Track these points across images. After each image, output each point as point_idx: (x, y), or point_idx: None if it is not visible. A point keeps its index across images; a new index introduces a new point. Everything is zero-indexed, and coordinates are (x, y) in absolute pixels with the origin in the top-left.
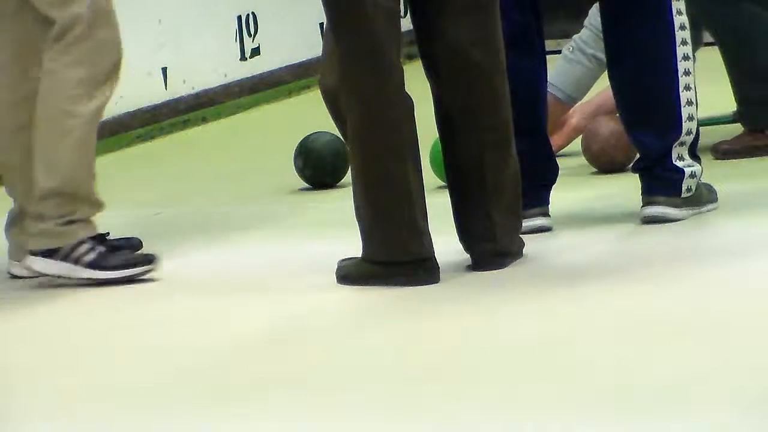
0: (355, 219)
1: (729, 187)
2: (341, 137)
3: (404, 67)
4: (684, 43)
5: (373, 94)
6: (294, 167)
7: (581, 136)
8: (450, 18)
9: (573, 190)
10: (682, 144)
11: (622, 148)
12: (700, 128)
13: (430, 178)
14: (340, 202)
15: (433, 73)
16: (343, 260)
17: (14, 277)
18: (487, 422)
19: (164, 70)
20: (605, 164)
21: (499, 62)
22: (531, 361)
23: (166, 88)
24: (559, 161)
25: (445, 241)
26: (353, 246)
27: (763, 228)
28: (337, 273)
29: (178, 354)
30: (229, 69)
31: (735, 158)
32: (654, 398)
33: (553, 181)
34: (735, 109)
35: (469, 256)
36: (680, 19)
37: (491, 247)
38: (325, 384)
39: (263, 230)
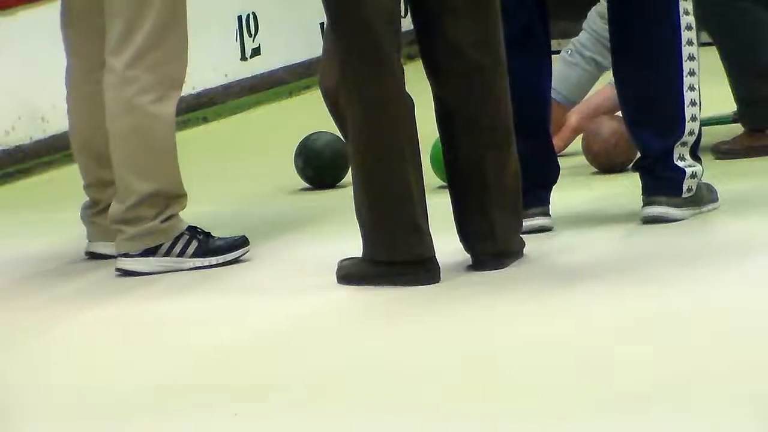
0: (355, 219)
1: (729, 187)
2: (341, 137)
3: (404, 67)
4: (690, 43)
5: (373, 94)
6: (294, 167)
7: (581, 136)
8: (450, 18)
9: (573, 190)
10: (683, 144)
11: (623, 148)
12: (714, 126)
13: (430, 178)
14: (340, 202)
15: (433, 73)
16: (343, 260)
17: (93, 257)
18: (487, 422)
19: None
20: (605, 164)
21: (499, 62)
22: (531, 361)
23: None
24: (560, 161)
25: (445, 241)
26: (353, 246)
27: (763, 227)
28: (337, 273)
29: (178, 354)
30: (229, 69)
31: (735, 158)
32: (654, 398)
33: (554, 182)
34: (735, 109)
35: (469, 256)
36: (687, 19)
37: (491, 247)
38: (325, 384)
39: (263, 230)
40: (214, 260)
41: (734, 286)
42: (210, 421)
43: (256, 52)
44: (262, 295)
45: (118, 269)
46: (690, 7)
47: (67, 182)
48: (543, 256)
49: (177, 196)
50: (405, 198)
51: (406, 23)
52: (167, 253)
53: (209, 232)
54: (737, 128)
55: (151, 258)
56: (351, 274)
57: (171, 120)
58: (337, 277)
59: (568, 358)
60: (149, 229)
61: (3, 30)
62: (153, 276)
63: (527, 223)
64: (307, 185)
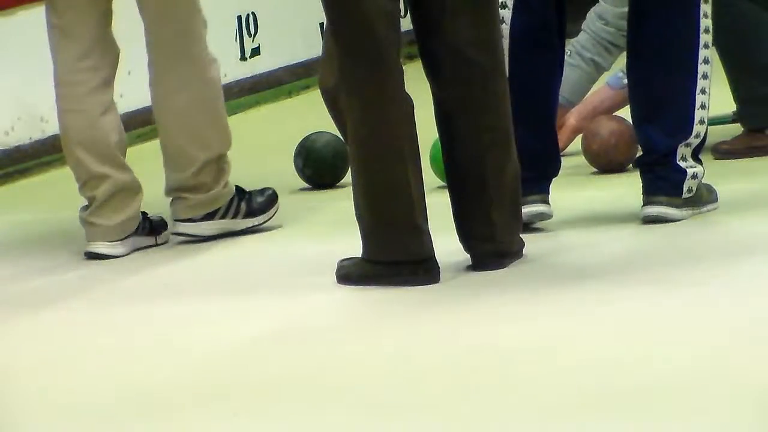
0: (355, 219)
1: (729, 187)
2: (341, 137)
3: (404, 67)
4: (706, 46)
5: (373, 94)
6: (294, 167)
7: (581, 136)
8: (450, 18)
9: (573, 190)
10: (687, 145)
11: (622, 148)
12: (715, 126)
13: (430, 178)
14: (340, 202)
15: (433, 73)
16: (343, 260)
17: (92, 257)
18: (487, 422)
19: None
20: (605, 164)
21: (499, 62)
22: (531, 361)
23: None
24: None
25: (445, 241)
26: (353, 246)
27: (763, 227)
28: (337, 273)
29: (178, 354)
30: (229, 69)
31: (735, 158)
32: (654, 398)
33: (555, 175)
34: (735, 109)
35: (469, 256)
36: (705, 22)
37: (491, 247)
38: (325, 384)
39: (263, 230)
40: (261, 219)
41: (734, 286)
42: (210, 421)
43: (256, 52)
44: (262, 295)
45: (179, 233)
46: (709, 10)
47: (66, 182)
48: (543, 256)
49: (228, 161)
50: (405, 198)
51: (406, 23)
52: (224, 216)
53: (249, 192)
54: (737, 128)
55: (210, 221)
56: (351, 274)
57: (219, 82)
58: (337, 277)
59: (568, 358)
60: (213, 196)
61: (3, 30)
62: (153, 275)
63: (526, 209)
64: (307, 185)
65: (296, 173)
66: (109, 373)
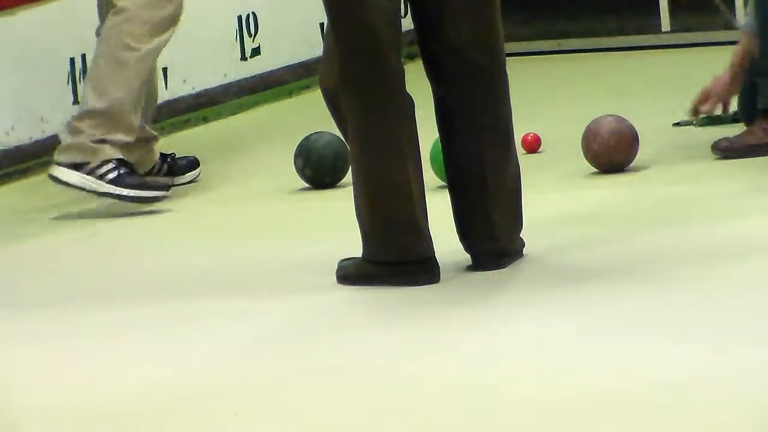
0: (355, 219)
1: (730, 187)
2: (341, 137)
3: (404, 67)
4: None
5: (373, 93)
6: (294, 167)
7: (581, 136)
8: (450, 18)
9: (573, 190)
10: None
11: (622, 148)
12: (702, 128)
13: (430, 178)
14: (340, 202)
15: (433, 73)
16: (343, 260)
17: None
18: (487, 422)
19: (164, 70)
20: (605, 164)
21: (499, 62)
22: (531, 361)
23: (166, 88)
24: (560, 161)
25: (445, 241)
26: (353, 246)
27: (764, 227)
28: (337, 273)
29: (178, 354)
30: (229, 69)
31: (735, 157)
32: (654, 398)
33: None
34: (735, 109)
35: (469, 256)
36: None
37: (491, 247)
38: (325, 384)
39: (263, 230)
40: (125, 192)
41: (735, 286)
42: (210, 421)
43: (256, 52)
44: (262, 295)
45: (49, 175)
46: None
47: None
48: (543, 256)
49: (123, 128)
50: (405, 198)
51: (406, 23)
52: (90, 173)
53: (141, 176)
54: (738, 128)
55: (75, 172)
56: (351, 274)
57: (146, 56)
58: (337, 277)
59: (569, 358)
60: (80, 145)
61: (3, 30)
62: (153, 275)
63: None
64: (307, 185)
65: (296, 173)
66: (109, 373)
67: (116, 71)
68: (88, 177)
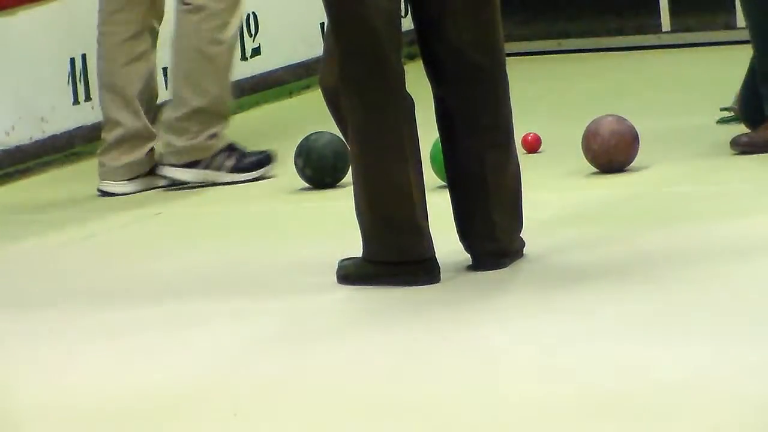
0: (355, 219)
1: (730, 186)
2: (342, 137)
3: (404, 67)
4: None
5: (373, 93)
6: (294, 167)
7: (582, 136)
8: (450, 18)
9: (573, 190)
10: None
11: (622, 148)
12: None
13: (430, 178)
14: (340, 202)
15: (433, 73)
16: (343, 260)
17: (103, 195)
18: (487, 422)
19: (165, 70)
20: (605, 164)
21: (499, 62)
22: (530, 361)
23: (166, 88)
24: (560, 161)
25: (445, 241)
26: (353, 246)
27: (764, 227)
28: (337, 273)
29: (178, 354)
30: None
31: (754, 152)
32: (654, 398)
33: None
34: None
35: (469, 256)
36: None
37: (491, 247)
38: (325, 384)
39: (263, 230)
40: (247, 176)
41: (735, 286)
42: (210, 421)
43: (256, 52)
44: (262, 295)
45: (162, 175)
46: None
47: (66, 182)
48: (543, 256)
49: (225, 118)
50: (405, 198)
51: (406, 23)
52: (207, 167)
53: (245, 151)
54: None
55: (192, 169)
56: (351, 274)
57: (232, 44)
58: (337, 277)
59: (569, 358)
60: (193, 145)
61: (3, 30)
62: (153, 275)
63: None
64: (307, 185)
65: (296, 173)
66: (109, 373)
67: (208, 67)
68: (206, 171)
